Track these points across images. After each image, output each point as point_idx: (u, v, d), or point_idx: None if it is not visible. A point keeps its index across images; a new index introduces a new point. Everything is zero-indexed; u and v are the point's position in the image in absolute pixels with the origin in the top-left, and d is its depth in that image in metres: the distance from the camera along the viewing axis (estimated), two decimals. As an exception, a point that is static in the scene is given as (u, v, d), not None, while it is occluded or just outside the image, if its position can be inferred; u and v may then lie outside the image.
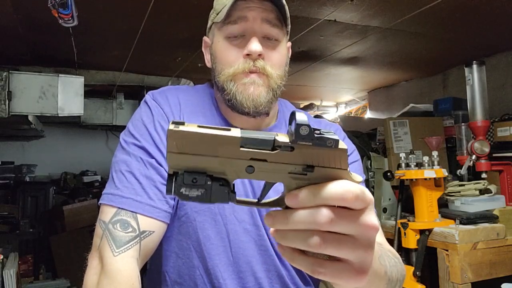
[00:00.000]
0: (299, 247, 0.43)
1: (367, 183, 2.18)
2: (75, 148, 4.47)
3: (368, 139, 2.69)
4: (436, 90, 3.14)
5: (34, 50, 2.59)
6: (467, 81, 2.08)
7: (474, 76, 2.05)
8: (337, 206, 0.42)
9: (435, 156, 1.81)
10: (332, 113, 4.41)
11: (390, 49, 2.58)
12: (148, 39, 2.36)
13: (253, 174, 0.44)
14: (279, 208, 0.46)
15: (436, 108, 2.66)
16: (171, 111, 0.88)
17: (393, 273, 0.70)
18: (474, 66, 2.06)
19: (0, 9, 1.89)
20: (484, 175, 1.99)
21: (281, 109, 1.01)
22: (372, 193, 2.24)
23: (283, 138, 0.43)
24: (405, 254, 1.86)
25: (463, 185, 1.97)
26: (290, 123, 0.43)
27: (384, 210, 2.17)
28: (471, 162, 2.01)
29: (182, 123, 0.42)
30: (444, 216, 1.86)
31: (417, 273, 1.75)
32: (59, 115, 2.60)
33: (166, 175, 0.82)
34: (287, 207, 0.44)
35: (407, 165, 1.84)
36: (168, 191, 0.43)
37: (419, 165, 1.81)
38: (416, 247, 1.79)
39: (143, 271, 0.78)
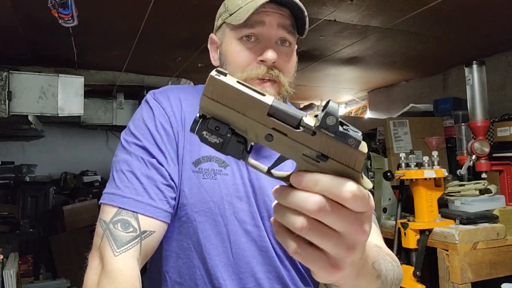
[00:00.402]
0: (287, 225, 0.44)
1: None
2: (75, 148, 4.47)
3: (368, 139, 2.69)
4: (436, 90, 3.14)
5: (34, 50, 2.59)
6: (467, 81, 2.08)
7: (474, 76, 2.05)
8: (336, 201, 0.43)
9: (435, 156, 1.81)
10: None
11: (390, 49, 2.58)
12: (148, 39, 2.36)
13: (270, 143, 0.45)
14: (284, 184, 0.47)
15: (436, 108, 2.66)
16: (172, 111, 0.88)
17: (389, 277, 0.70)
18: (474, 66, 2.06)
19: (0, 9, 1.90)
20: (484, 175, 1.99)
21: None
22: (372, 194, 2.24)
23: (309, 120, 0.44)
24: (405, 254, 1.86)
25: (463, 185, 1.97)
26: (323, 110, 0.44)
27: (384, 210, 2.18)
28: (471, 162, 2.01)
29: (225, 74, 0.43)
30: (444, 216, 1.86)
31: (417, 273, 1.75)
32: (59, 115, 2.60)
33: (167, 175, 0.82)
34: (291, 185, 0.45)
35: (407, 165, 1.84)
36: (192, 130, 0.46)
37: (419, 165, 1.81)
38: (416, 247, 1.79)
39: (143, 271, 0.77)
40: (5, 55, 2.65)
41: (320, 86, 3.69)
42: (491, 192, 1.90)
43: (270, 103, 0.43)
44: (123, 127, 0.89)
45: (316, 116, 0.45)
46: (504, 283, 1.51)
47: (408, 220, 1.81)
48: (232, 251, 0.85)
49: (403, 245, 1.83)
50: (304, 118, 0.44)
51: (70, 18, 1.67)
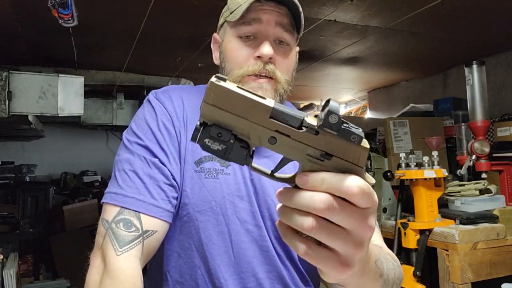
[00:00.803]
0: (295, 227, 0.44)
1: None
2: (75, 148, 4.47)
3: (368, 139, 2.69)
4: (436, 90, 3.14)
5: (34, 50, 2.59)
6: (467, 81, 2.08)
7: (474, 76, 2.05)
8: (342, 199, 0.43)
9: (435, 156, 1.81)
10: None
11: (390, 49, 2.58)
12: (148, 39, 2.36)
13: (274, 146, 0.45)
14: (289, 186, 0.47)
15: (436, 108, 2.67)
16: (174, 111, 0.88)
17: (390, 276, 0.70)
18: (474, 66, 2.06)
19: (0, 9, 1.89)
20: (484, 175, 1.99)
21: None
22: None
23: (311, 120, 0.44)
24: (405, 254, 1.86)
25: (463, 185, 1.97)
26: (323, 109, 0.44)
27: (384, 210, 2.18)
28: (471, 162, 2.01)
29: (224, 79, 0.44)
30: (444, 216, 1.86)
31: (417, 273, 1.75)
32: (59, 115, 2.60)
33: (169, 174, 0.82)
34: (296, 187, 0.45)
35: (407, 165, 1.84)
36: (193, 139, 0.45)
37: (419, 165, 1.81)
38: (416, 247, 1.79)
39: (144, 271, 0.77)
40: (5, 55, 2.65)
41: (320, 86, 3.69)
42: (491, 192, 1.91)
43: (272, 105, 0.44)
44: (123, 127, 0.89)
45: (316, 116, 0.46)
46: (504, 283, 1.51)
47: (408, 220, 1.81)
48: (233, 251, 0.85)
49: (403, 245, 1.83)
50: (306, 119, 0.44)
51: (70, 18, 1.67)
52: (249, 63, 0.86)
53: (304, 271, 0.91)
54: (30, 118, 2.82)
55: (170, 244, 0.87)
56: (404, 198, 1.98)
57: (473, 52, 2.62)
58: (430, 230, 1.78)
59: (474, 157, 2.00)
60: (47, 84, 2.57)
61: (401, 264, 1.47)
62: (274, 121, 0.44)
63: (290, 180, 0.47)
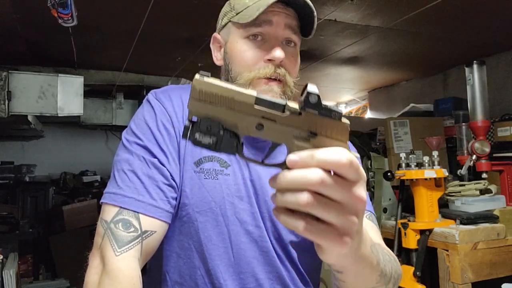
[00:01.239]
0: (291, 206, 0.46)
1: (367, 183, 2.18)
2: (75, 148, 4.47)
3: (368, 139, 2.69)
4: (437, 90, 3.14)
5: (34, 50, 2.59)
6: (467, 81, 2.08)
7: (475, 76, 2.05)
8: (333, 174, 0.46)
9: (435, 156, 1.81)
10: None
11: (390, 49, 2.58)
12: (148, 39, 2.36)
13: (261, 132, 0.48)
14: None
15: (437, 108, 2.66)
16: (174, 110, 0.88)
17: (387, 267, 0.71)
18: (475, 66, 2.06)
19: (0, 9, 1.89)
20: (484, 175, 1.99)
21: None
22: (372, 193, 2.24)
23: (293, 104, 0.47)
24: (405, 254, 1.86)
25: (464, 185, 1.97)
26: (302, 93, 0.47)
27: (385, 210, 2.17)
28: (472, 162, 2.01)
29: (208, 75, 0.47)
30: (445, 216, 1.86)
31: (418, 273, 1.75)
32: (59, 115, 2.60)
33: (168, 175, 0.82)
34: (287, 169, 0.47)
35: (408, 165, 1.84)
36: (184, 136, 0.48)
37: (420, 165, 1.81)
38: (417, 247, 1.79)
39: (143, 271, 0.77)
40: (5, 54, 2.65)
41: (320, 86, 3.62)
42: (492, 192, 1.90)
43: (255, 94, 0.47)
44: (123, 127, 0.89)
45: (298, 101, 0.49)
46: (504, 283, 1.51)
47: (409, 220, 1.81)
48: (233, 252, 0.85)
49: (403, 245, 1.83)
50: (288, 103, 0.47)
51: (70, 17, 1.67)
52: (259, 65, 0.86)
53: (304, 271, 0.91)
54: (30, 118, 2.82)
55: (170, 245, 0.87)
56: (405, 198, 1.98)
57: (474, 52, 2.61)
58: (430, 230, 1.77)
59: (474, 157, 2.00)
60: (47, 84, 2.57)
61: (401, 264, 1.47)
62: (259, 107, 0.47)
63: (281, 165, 0.50)
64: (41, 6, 1.69)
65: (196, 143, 0.47)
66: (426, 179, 1.78)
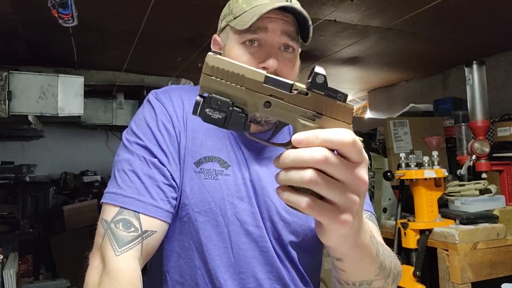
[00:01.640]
0: (295, 183, 0.48)
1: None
2: (75, 148, 4.47)
3: (368, 139, 2.70)
4: (436, 90, 3.14)
5: (34, 50, 2.59)
6: (467, 81, 2.08)
7: (474, 76, 2.05)
8: (337, 154, 0.47)
9: (435, 156, 1.81)
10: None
11: (390, 49, 2.58)
12: (148, 39, 2.36)
13: (269, 110, 0.50)
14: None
15: (436, 108, 2.67)
16: (174, 111, 0.88)
17: (387, 261, 0.71)
18: (474, 66, 2.06)
19: (0, 9, 1.89)
20: (484, 175, 1.99)
21: None
22: (372, 193, 2.24)
23: (300, 84, 0.50)
24: (405, 254, 1.86)
25: (463, 185, 1.97)
26: (310, 75, 0.49)
27: (384, 210, 2.18)
28: (471, 162, 2.01)
29: (220, 54, 0.49)
30: (444, 216, 1.86)
31: (417, 273, 1.75)
32: (59, 115, 2.60)
33: (169, 175, 0.82)
34: (293, 148, 0.49)
35: (407, 165, 1.84)
36: (194, 112, 0.50)
37: (419, 165, 1.81)
38: (416, 247, 1.79)
39: (144, 271, 0.77)
40: (5, 55, 2.65)
41: (320, 86, 3.68)
42: (491, 192, 1.91)
43: (265, 73, 0.49)
44: (123, 127, 0.89)
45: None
46: (504, 283, 1.51)
47: (408, 220, 1.81)
48: (233, 252, 0.85)
49: (403, 245, 1.83)
50: (295, 83, 0.49)
51: (70, 18, 1.67)
52: None
53: (304, 271, 0.91)
54: (30, 118, 2.82)
55: (170, 244, 0.87)
56: (404, 198, 1.98)
57: (473, 52, 2.62)
58: (430, 230, 1.78)
59: (474, 157, 2.00)
60: (47, 84, 2.57)
61: (401, 264, 1.47)
62: (268, 86, 0.49)
63: (287, 144, 0.52)
64: (41, 6, 1.70)
65: (206, 117, 0.50)
66: (426, 179, 1.78)
